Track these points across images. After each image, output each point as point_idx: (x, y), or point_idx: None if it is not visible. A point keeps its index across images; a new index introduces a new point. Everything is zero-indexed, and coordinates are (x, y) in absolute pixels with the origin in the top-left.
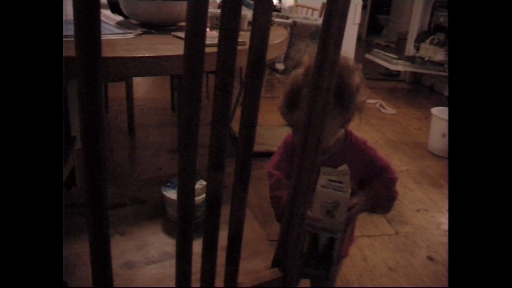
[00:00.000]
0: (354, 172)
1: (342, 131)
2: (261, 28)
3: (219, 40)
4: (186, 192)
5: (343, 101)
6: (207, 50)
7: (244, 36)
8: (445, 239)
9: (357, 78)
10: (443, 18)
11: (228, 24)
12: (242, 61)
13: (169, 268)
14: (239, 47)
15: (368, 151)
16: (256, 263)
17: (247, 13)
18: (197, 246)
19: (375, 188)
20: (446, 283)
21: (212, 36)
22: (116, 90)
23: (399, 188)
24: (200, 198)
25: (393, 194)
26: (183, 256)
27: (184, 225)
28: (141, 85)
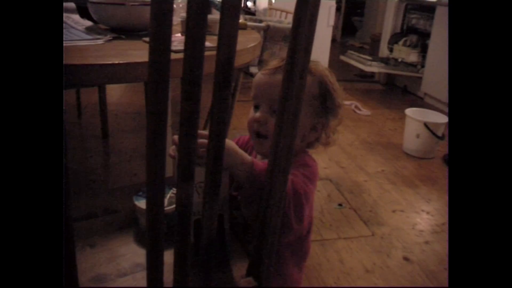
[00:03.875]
0: None
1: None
2: (228, 36)
3: (184, 48)
4: (155, 202)
5: (327, 95)
6: (179, 55)
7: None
8: (421, 239)
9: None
10: (415, 20)
11: (194, 30)
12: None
13: (141, 280)
14: (211, 53)
15: (307, 163)
16: (231, 272)
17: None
18: (169, 256)
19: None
20: (421, 283)
21: (183, 41)
22: (89, 95)
23: (375, 189)
24: (172, 207)
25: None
26: (154, 267)
27: (154, 236)
28: (115, 89)
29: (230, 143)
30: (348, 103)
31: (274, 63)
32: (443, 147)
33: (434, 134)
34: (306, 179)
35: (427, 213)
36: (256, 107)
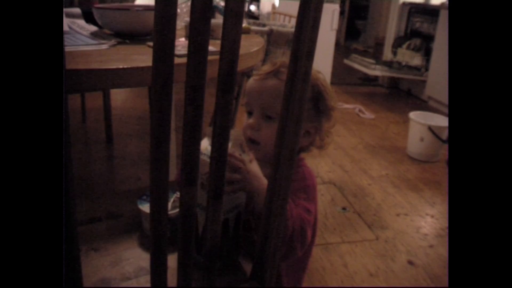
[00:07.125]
0: None
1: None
2: (231, 40)
3: (188, 54)
4: (159, 206)
5: (320, 98)
6: (183, 60)
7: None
8: (425, 243)
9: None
10: (418, 23)
11: (197, 35)
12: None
13: (144, 284)
14: (214, 57)
15: (307, 182)
16: (234, 275)
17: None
18: (173, 260)
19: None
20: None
21: (187, 45)
22: (93, 100)
23: (379, 192)
24: (176, 211)
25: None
26: (158, 271)
27: (157, 240)
28: (119, 94)
29: (259, 169)
30: (351, 106)
31: (265, 68)
32: (447, 151)
33: (438, 137)
34: (305, 201)
35: (432, 216)
36: (250, 113)
